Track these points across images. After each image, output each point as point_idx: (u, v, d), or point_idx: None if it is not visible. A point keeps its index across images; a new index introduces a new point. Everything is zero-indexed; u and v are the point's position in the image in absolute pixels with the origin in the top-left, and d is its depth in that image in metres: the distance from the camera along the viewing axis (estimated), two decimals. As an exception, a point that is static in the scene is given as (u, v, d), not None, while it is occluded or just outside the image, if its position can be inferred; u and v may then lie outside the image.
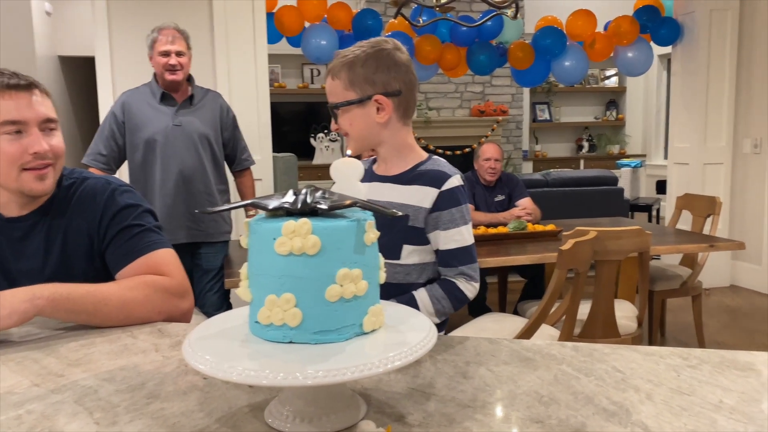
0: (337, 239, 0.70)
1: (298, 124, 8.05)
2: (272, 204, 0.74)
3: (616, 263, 2.37)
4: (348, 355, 0.68)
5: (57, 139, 1.26)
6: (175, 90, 2.78)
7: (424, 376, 0.89)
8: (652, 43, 4.92)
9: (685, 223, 3.78)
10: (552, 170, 5.89)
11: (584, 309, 2.33)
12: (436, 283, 1.26)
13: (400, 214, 0.75)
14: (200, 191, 2.77)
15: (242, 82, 3.88)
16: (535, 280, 3.66)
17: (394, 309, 0.82)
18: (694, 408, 0.77)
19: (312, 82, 8.08)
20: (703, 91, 4.73)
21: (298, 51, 4.64)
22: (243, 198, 3.01)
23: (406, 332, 0.75)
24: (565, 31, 4.68)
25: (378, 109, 1.25)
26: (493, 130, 7.71)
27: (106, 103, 3.71)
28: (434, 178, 1.26)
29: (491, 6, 2.77)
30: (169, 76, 2.71)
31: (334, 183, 0.82)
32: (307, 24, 4.25)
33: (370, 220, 0.74)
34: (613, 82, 8.60)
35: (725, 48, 4.66)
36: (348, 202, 0.74)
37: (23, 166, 1.21)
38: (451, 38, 4.49)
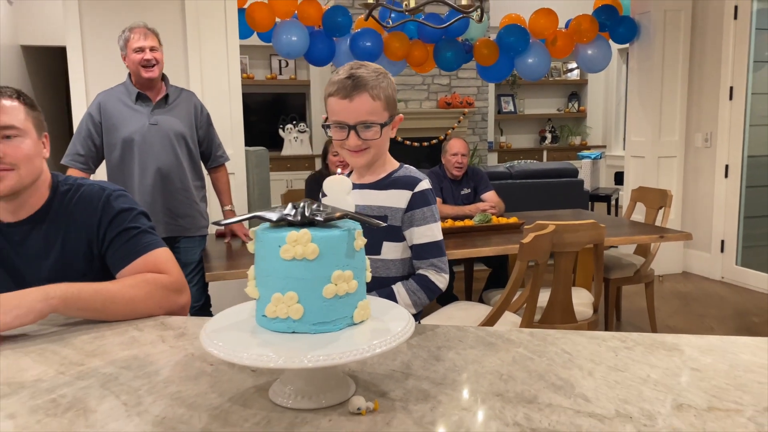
0: (332, 246, 0.83)
1: (267, 115, 8.08)
2: (275, 216, 0.88)
3: (573, 254, 2.55)
4: (342, 342, 0.82)
5: (12, 146, 1.31)
6: (150, 89, 2.85)
7: (402, 359, 1.03)
8: (610, 41, 5.13)
9: (640, 213, 4.01)
10: (515, 162, 6.09)
11: (544, 297, 2.51)
12: (411, 278, 1.42)
13: (383, 224, 0.89)
14: (177, 188, 2.86)
15: (214, 77, 3.95)
16: (499, 270, 3.84)
17: (377, 303, 0.97)
18: (626, 382, 0.93)
19: (280, 73, 8.12)
20: (658, 88, 4.97)
21: (267, 43, 4.70)
22: (219, 193, 3.11)
23: (389, 322, 0.89)
24: (528, 29, 4.86)
25: (393, 126, 1.42)
26: (459, 121, 7.88)
27: (78, 96, 3.74)
28: (407, 183, 1.43)
29: (457, 10, 2.90)
30: (145, 73, 2.77)
31: (324, 195, 0.95)
32: (278, 20, 4.33)
33: (358, 230, 0.88)
34: (575, 74, 8.86)
35: (678, 46, 4.91)
36: (339, 214, 0.88)
37: None
38: (418, 35, 4.62)
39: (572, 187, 5.23)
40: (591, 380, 0.94)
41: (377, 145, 1.38)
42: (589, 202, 6.04)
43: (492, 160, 8.42)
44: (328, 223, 0.87)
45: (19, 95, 1.33)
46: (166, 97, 2.89)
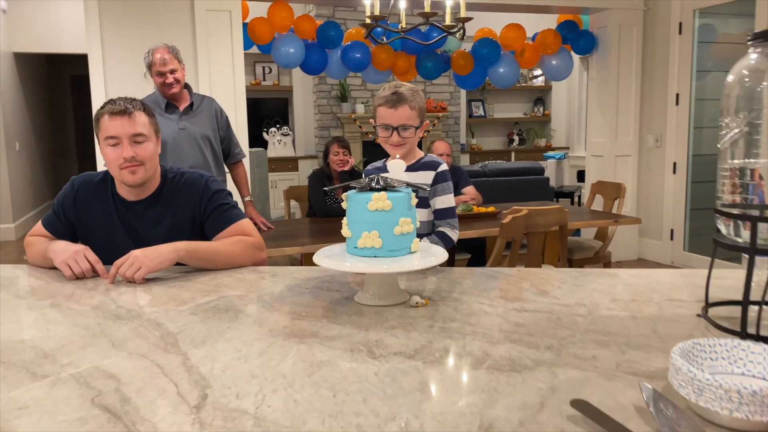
0: (399, 202, 1.33)
1: (251, 118, 8.48)
2: (359, 186, 1.37)
3: (542, 234, 3.09)
4: (406, 261, 1.32)
5: (142, 148, 1.77)
6: (176, 99, 3.30)
7: (433, 283, 1.54)
8: (572, 52, 5.72)
9: (598, 205, 4.58)
10: (488, 162, 6.66)
11: (519, 270, 3.04)
12: (433, 234, 1.93)
13: (427, 189, 1.39)
14: (205, 182, 3.31)
15: (222, 86, 4.40)
16: (477, 254, 4.37)
17: (422, 243, 1.46)
18: (581, 290, 1.45)
19: (264, 79, 8.56)
20: (614, 94, 5.58)
21: (252, 50, 5.11)
22: (238, 186, 3.58)
23: (433, 252, 1.39)
24: (499, 42, 5.41)
25: (422, 129, 1.93)
26: (434, 125, 8.43)
27: (98, 98, 4.13)
28: (432, 165, 1.95)
29: (441, 29, 3.42)
30: (168, 92, 3.23)
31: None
32: (276, 34, 4.79)
33: (413, 193, 1.38)
34: (540, 81, 9.49)
35: (632, 57, 5.53)
36: (397, 183, 1.38)
37: (120, 166, 1.77)
38: (402, 48, 5.14)
39: (539, 184, 5.80)
40: (560, 290, 1.46)
41: (411, 142, 1.91)
42: (555, 198, 6.64)
43: (464, 161, 8.99)
44: (395, 188, 1.37)
45: (143, 107, 1.80)
46: (191, 104, 3.34)
